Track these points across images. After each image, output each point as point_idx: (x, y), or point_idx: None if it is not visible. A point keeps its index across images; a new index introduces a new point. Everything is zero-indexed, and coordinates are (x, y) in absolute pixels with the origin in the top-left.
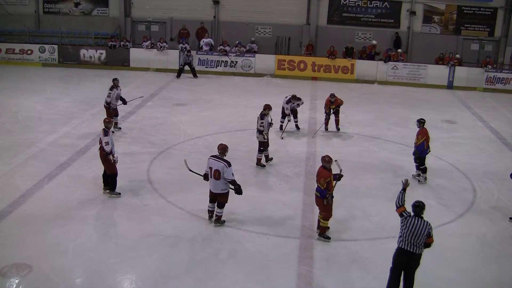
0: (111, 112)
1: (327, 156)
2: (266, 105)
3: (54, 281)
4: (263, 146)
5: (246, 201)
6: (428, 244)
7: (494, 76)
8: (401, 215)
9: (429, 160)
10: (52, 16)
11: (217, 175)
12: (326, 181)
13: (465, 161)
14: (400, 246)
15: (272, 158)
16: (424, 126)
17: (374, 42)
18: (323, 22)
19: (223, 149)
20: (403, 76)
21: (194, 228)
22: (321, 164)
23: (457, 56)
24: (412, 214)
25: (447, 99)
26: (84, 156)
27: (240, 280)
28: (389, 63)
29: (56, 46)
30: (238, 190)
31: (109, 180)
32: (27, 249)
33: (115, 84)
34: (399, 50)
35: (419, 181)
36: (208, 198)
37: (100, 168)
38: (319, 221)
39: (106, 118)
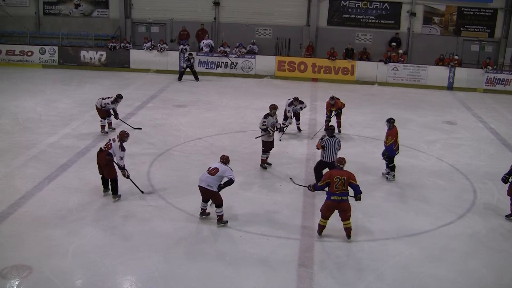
0: (104, 113)
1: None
2: (271, 105)
3: (55, 283)
4: (265, 146)
5: (246, 202)
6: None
7: (494, 77)
8: (322, 146)
9: (430, 162)
10: (52, 18)
11: (214, 171)
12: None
13: (465, 162)
14: (321, 159)
15: (270, 164)
16: (395, 125)
17: (400, 51)
18: (323, 23)
19: (226, 159)
20: (403, 77)
21: (194, 229)
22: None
23: (456, 57)
24: (327, 137)
25: (447, 100)
26: (84, 158)
27: (240, 282)
28: (389, 64)
29: (56, 48)
30: (221, 187)
31: (111, 185)
32: (27, 250)
33: (116, 100)
34: (400, 51)
35: (387, 178)
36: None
37: None
38: (321, 226)
39: (123, 131)
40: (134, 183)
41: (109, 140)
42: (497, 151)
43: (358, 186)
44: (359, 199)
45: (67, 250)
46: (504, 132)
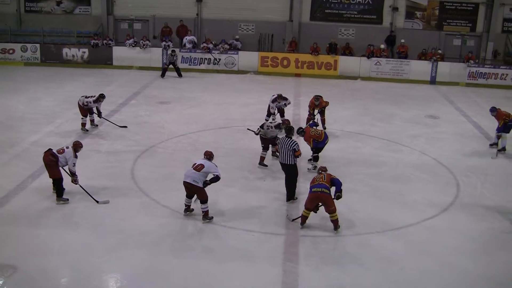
0: (85, 111)
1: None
2: (286, 120)
3: (39, 282)
4: (264, 142)
5: (231, 198)
6: (296, 156)
7: (476, 71)
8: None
9: (413, 156)
10: (34, 15)
11: (200, 168)
12: None
13: (448, 156)
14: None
15: (266, 165)
16: (304, 131)
17: (382, 46)
18: (306, 18)
19: (210, 155)
20: (386, 72)
21: (179, 226)
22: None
23: (439, 51)
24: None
25: (430, 94)
26: None
27: (226, 278)
28: (372, 59)
29: (38, 45)
30: (206, 184)
31: (55, 186)
32: (11, 249)
33: (99, 100)
34: (382, 46)
35: (308, 169)
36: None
37: (83, 167)
38: (304, 216)
39: (78, 142)
40: (86, 192)
41: (63, 146)
42: (479, 145)
43: (340, 183)
44: (340, 197)
45: (52, 249)
46: (486, 125)
